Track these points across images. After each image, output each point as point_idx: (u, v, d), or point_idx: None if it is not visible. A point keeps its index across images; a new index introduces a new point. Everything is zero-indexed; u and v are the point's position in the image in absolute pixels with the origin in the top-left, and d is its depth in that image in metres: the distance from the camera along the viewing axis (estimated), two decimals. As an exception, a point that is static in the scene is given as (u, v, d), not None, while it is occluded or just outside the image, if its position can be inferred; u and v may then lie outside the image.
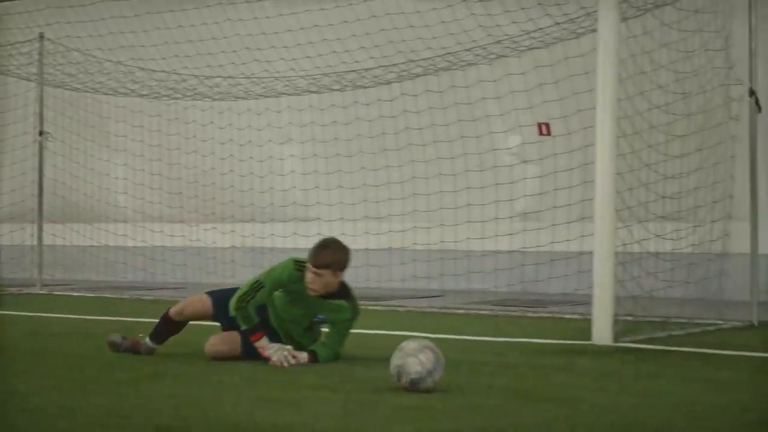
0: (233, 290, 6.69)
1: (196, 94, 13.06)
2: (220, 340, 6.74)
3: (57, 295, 13.42)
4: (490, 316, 10.39)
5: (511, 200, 12.05)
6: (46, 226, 14.62)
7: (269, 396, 5.19)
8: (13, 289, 14.09)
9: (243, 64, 12.26)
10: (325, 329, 6.77)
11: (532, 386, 5.75)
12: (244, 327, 6.56)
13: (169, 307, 6.95)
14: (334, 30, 11.85)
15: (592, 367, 6.65)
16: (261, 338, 6.54)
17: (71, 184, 15.49)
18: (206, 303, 6.86)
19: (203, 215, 14.05)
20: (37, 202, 14.39)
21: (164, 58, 12.81)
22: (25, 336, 8.38)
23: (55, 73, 13.89)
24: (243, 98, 13.07)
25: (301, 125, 13.25)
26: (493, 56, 10.95)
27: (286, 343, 6.62)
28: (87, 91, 14.25)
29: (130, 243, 14.95)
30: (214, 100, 13.26)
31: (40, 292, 13.91)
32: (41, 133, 14.17)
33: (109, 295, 13.02)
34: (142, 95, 13.59)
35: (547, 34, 10.18)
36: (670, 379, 6.09)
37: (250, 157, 13.58)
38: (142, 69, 13.06)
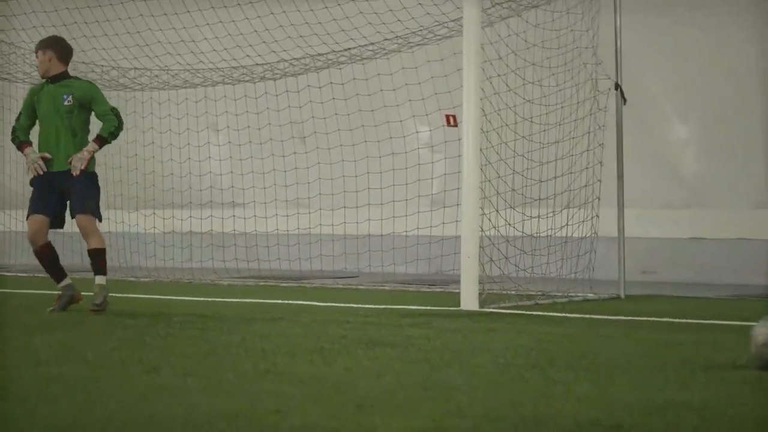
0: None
1: (118, 85, 13.79)
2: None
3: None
4: (385, 291, 11.32)
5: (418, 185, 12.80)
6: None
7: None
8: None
9: (156, 56, 13.02)
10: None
11: (379, 337, 6.73)
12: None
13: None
14: (238, 26, 12.65)
15: (444, 324, 7.63)
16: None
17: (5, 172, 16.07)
18: (35, 219, 8.45)
19: (129, 200, 14.70)
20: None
21: (84, 51, 13.52)
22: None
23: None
24: (162, 89, 13.83)
25: (217, 114, 14.03)
26: (387, 51, 11.87)
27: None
28: (17, 82, 14.83)
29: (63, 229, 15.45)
30: (135, 90, 14.01)
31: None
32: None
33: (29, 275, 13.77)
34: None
35: (432, 32, 11.13)
36: (502, 332, 7.08)
37: (170, 144, 14.32)
38: (84, 62, 13.73)
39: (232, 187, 14.10)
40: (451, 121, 12.75)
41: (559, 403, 4.40)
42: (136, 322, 7.83)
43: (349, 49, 12.02)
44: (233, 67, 12.86)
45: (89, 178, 8.48)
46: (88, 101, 8.49)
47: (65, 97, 8.44)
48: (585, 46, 10.62)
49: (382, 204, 12.86)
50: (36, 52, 8.73)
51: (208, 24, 12.73)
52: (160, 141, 14.36)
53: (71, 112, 8.44)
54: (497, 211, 9.71)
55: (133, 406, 4.35)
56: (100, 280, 8.51)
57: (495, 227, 9.63)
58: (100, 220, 8.71)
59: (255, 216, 13.71)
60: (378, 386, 4.90)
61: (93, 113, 8.59)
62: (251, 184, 13.85)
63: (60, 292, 8.57)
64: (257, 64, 12.61)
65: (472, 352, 6.15)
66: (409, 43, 11.71)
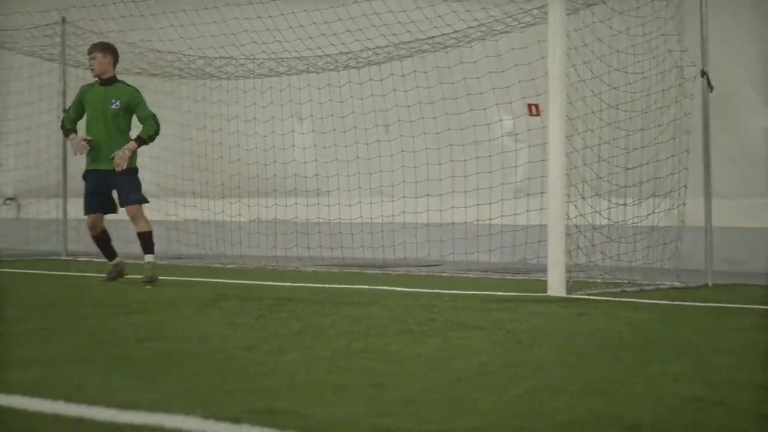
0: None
1: (204, 74, 13.98)
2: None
3: (79, 261, 14.46)
4: (469, 278, 11.36)
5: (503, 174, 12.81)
6: (70, 200, 15.52)
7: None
8: (39, 257, 15.15)
9: (242, 45, 13.18)
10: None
11: (467, 320, 6.80)
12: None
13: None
14: (322, 15, 12.77)
15: (532, 309, 7.67)
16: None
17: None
18: (91, 217, 9.88)
19: (215, 188, 14.89)
20: (61, 176, 15.30)
21: (172, 40, 13.72)
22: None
23: (75, 54, 14.77)
24: (247, 77, 13.99)
25: (301, 103, 14.15)
26: (473, 40, 11.90)
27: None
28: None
29: (151, 216, 15.68)
30: (221, 79, 14.18)
31: (64, 258, 14.94)
32: (65, 110, 15.16)
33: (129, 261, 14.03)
34: (153, 74, 14.48)
35: (516, 20, 11.14)
36: (591, 317, 7.10)
37: (255, 133, 14.49)
38: (153, 50, 13.96)
39: (317, 175, 14.21)
40: (533, 110, 12.72)
41: (657, 381, 4.44)
42: (227, 304, 7.98)
43: (433, 37, 12.07)
44: (317, 56, 12.96)
45: (131, 173, 9.69)
46: (133, 106, 9.62)
47: (113, 101, 9.52)
48: (670, 32, 10.55)
49: (465, 192, 12.88)
50: (92, 53, 9.70)
51: (293, 12, 12.86)
52: (245, 129, 14.53)
53: (117, 116, 9.53)
54: (583, 198, 9.70)
55: (237, 380, 4.47)
56: (149, 258, 9.89)
57: (581, 214, 9.62)
58: (147, 201, 10.04)
59: (339, 204, 13.81)
60: (472, 364, 4.97)
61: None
62: (335, 172, 13.96)
63: (113, 270, 10.09)
64: (341, 53, 12.71)
65: (564, 335, 6.19)
66: (493, 30, 11.73)
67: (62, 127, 10.03)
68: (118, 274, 10.12)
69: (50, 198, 16.01)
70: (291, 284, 10.31)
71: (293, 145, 14.42)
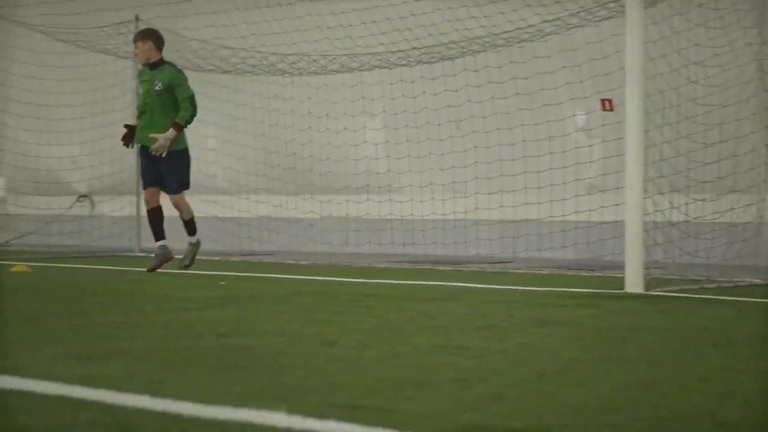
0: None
1: (276, 70, 13.99)
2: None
3: (152, 257, 14.54)
4: (543, 274, 11.25)
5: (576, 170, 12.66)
6: (143, 197, 15.63)
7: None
8: (113, 254, 15.29)
9: (315, 41, 13.17)
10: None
11: (546, 316, 6.71)
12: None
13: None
14: (396, 9, 12.71)
15: (611, 305, 7.55)
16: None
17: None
18: (148, 191, 10.37)
19: (287, 184, 14.91)
20: (134, 173, 15.41)
21: (243, 37, 13.75)
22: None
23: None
24: (319, 74, 13.98)
25: (373, 99, 14.11)
26: (547, 35, 11.78)
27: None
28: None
29: (223, 212, 15.77)
30: (293, 75, 14.18)
31: (138, 255, 15.06)
32: (138, 108, 15.27)
33: (202, 257, 14.11)
34: (226, 71, 14.53)
35: (591, 14, 10.99)
36: (672, 313, 6.98)
37: (327, 129, 14.48)
38: (226, 47, 14.00)
39: (389, 171, 14.15)
40: (607, 105, 12.56)
41: (748, 378, 4.33)
42: (303, 300, 7.97)
43: (507, 31, 11.96)
44: (390, 52, 12.91)
45: (178, 156, 10.27)
46: (174, 87, 10.07)
47: (156, 82, 10.06)
48: (749, 25, 10.36)
49: (538, 188, 12.76)
50: (135, 42, 10.35)
51: (366, 8, 12.83)
52: (317, 126, 14.53)
53: (161, 96, 10.07)
54: (661, 193, 9.55)
55: (318, 375, 4.43)
56: (191, 238, 10.67)
57: (659, 210, 9.47)
58: (188, 188, 10.61)
59: (411, 200, 13.75)
60: (556, 360, 4.89)
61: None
62: (407, 169, 13.89)
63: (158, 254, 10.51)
64: (414, 48, 12.64)
65: (647, 331, 6.08)
66: (568, 24, 11.59)
67: (137, 107, 10.78)
68: (163, 259, 10.48)
69: (123, 195, 16.12)
70: (365, 280, 10.28)
71: (365, 142, 14.38)
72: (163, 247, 10.48)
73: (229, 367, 4.62)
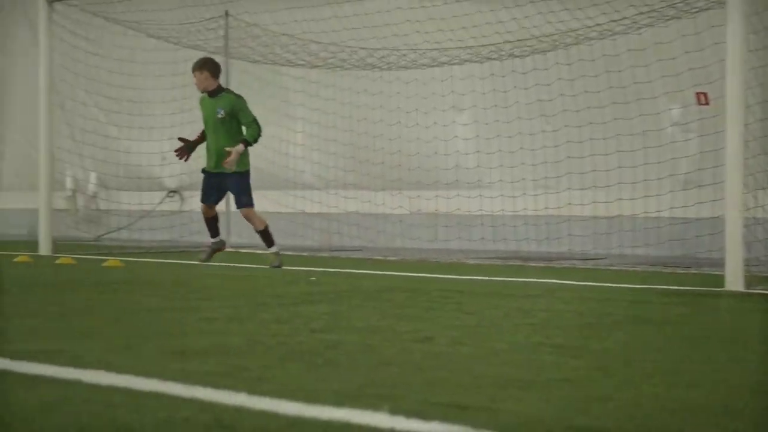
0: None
1: (366, 65, 13.91)
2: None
3: (242, 252, 14.58)
4: (637, 271, 11.01)
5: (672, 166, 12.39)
6: (232, 192, 15.64)
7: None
8: (203, 249, 15.33)
9: (405, 35, 13.06)
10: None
11: (647, 314, 6.52)
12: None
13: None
14: (487, 1, 12.55)
15: (712, 304, 7.34)
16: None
17: (256, 151, 16.51)
18: (204, 206, 11.00)
19: (375, 180, 14.84)
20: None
21: (335, 31, 13.68)
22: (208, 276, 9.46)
23: (238, 48, 14.89)
24: (409, 68, 13.86)
25: (463, 93, 13.96)
26: (641, 27, 11.52)
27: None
28: (266, 63, 15.22)
29: (311, 208, 15.75)
30: (383, 70, 14.08)
31: (227, 250, 15.09)
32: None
33: (290, 253, 14.10)
34: (316, 66, 14.49)
35: (688, 5, 10.72)
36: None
37: (416, 124, 14.37)
38: (315, 42, 13.96)
39: (479, 166, 14.00)
40: (702, 98, 12.27)
41: None
42: (394, 296, 7.86)
43: (600, 24, 11.73)
44: (481, 45, 12.74)
45: (241, 176, 10.79)
46: (236, 112, 10.66)
47: (219, 110, 10.61)
48: None
49: (633, 184, 12.51)
50: (193, 72, 10.88)
51: (457, 0, 12.68)
52: (407, 121, 14.42)
53: (224, 123, 10.63)
54: (762, 189, 9.28)
55: (416, 373, 4.32)
56: (271, 249, 11.07)
57: (760, 206, 9.19)
58: (252, 206, 10.95)
59: (502, 196, 13.59)
60: (661, 360, 4.73)
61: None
62: (498, 164, 13.73)
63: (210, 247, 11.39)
64: (506, 42, 12.46)
65: (754, 331, 5.86)
66: (664, 16, 11.32)
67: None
68: (216, 249, 11.37)
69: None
70: (456, 277, 10.16)
71: (455, 136, 14.24)
72: (217, 242, 11.43)
73: (325, 363, 4.52)
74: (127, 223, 17.21)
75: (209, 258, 11.46)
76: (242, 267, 11.38)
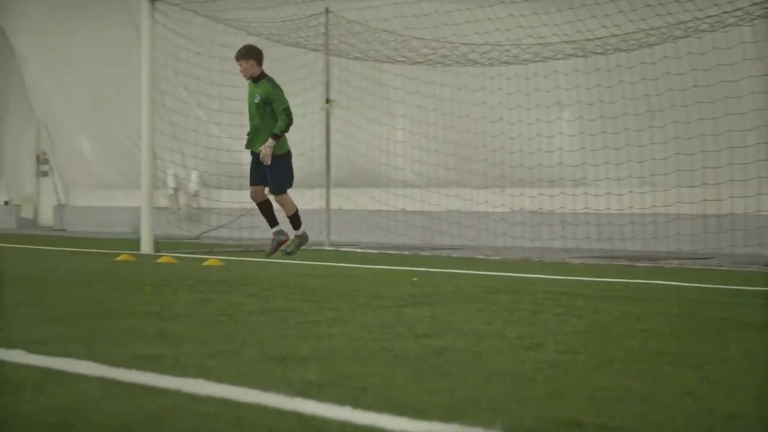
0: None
1: (467, 61, 13.68)
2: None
3: (342, 251, 14.49)
4: (749, 272, 10.62)
5: None
6: (333, 190, 15.59)
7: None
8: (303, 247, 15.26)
9: (507, 30, 12.80)
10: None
11: (764, 318, 6.21)
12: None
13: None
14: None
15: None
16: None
17: (356, 149, 16.40)
18: (253, 188, 10.88)
19: (476, 177, 14.63)
20: (324, 167, 15.38)
21: (436, 27, 13.48)
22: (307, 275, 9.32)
23: (338, 44, 14.78)
24: (511, 64, 13.60)
25: (566, 89, 13.67)
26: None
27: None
28: (367, 60, 15.09)
29: (411, 206, 15.63)
30: (485, 65, 13.84)
31: (328, 249, 15.02)
32: (328, 101, 15.22)
33: (391, 252, 13.96)
34: (417, 63, 14.31)
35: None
36: None
37: (519, 121, 14.11)
38: (417, 38, 13.77)
39: (583, 163, 13.69)
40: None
41: None
42: (500, 298, 7.64)
43: (711, 16, 11.35)
44: (586, 39, 12.44)
45: (280, 161, 10.83)
46: (271, 101, 10.76)
47: (256, 96, 10.84)
48: None
49: (745, 181, 12.10)
50: (238, 61, 11.00)
51: (561, -6, 12.43)
52: (509, 117, 14.17)
53: (260, 108, 10.84)
54: None
55: (529, 383, 4.10)
56: (296, 232, 11.10)
57: None
58: (287, 189, 10.94)
59: (607, 194, 13.26)
60: (789, 371, 4.43)
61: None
62: (603, 161, 13.41)
63: (277, 240, 11.06)
64: (612, 35, 12.14)
65: None
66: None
67: None
68: (278, 244, 11.12)
69: (314, 188, 16.11)
70: (561, 277, 9.89)
71: (559, 133, 13.95)
72: (279, 232, 11.17)
73: (431, 372, 4.33)
74: (227, 222, 17.22)
75: (275, 251, 11.31)
76: (342, 266, 11.26)
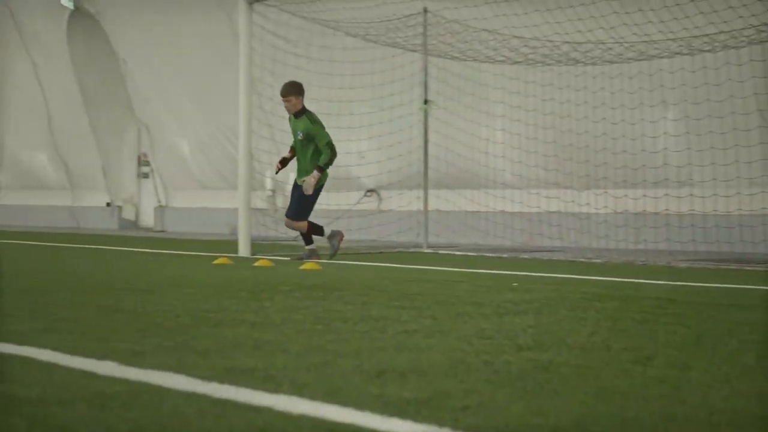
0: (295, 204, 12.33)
1: (569, 59, 13.37)
2: None
3: (441, 254, 14.28)
4: None
5: None
6: (431, 192, 15.40)
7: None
8: (401, 249, 15.12)
9: (611, 28, 12.47)
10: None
11: None
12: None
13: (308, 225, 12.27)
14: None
15: None
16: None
17: (454, 149, 16.19)
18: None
19: (578, 178, 14.33)
20: (423, 167, 15.19)
21: (536, 25, 13.19)
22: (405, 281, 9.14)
23: (437, 44, 14.58)
24: (615, 62, 13.25)
25: (671, 87, 13.28)
26: None
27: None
28: (466, 60, 14.87)
29: (510, 207, 15.38)
30: (587, 64, 13.52)
31: (426, 251, 14.83)
32: (426, 101, 15.02)
33: (489, 255, 13.71)
34: (516, 62, 14.04)
35: None
36: None
37: (623, 120, 13.76)
38: (516, 37, 13.50)
39: (689, 164, 13.30)
40: None
41: None
42: (604, 306, 7.37)
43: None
44: (693, 36, 12.05)
45: (312, 193, 12.02)
46: (312, 136, 11.77)
47: (299, 132, 11.87)
48: None
49: None
50: (287, 97, 11.88)
51: (667, -10, 12.07)
52: (612, 117, 13.83)
53: (303, 143, 11.85)
54: None
55: (639, 404, 3.85)
56: (308, 246, 12.44)
57: None
58: (306, 219, 12.30)
59: (714, 195, 12.85)
60: None
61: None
62: (710, 161, 13.00)
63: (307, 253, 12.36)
64: (721, 32, 11.74)
65: None
66: None
67: None
68: (338, 243, 12.55)
69: (412, 189, 15.95)
70: (666, 282, 9.56)
71: (664, 133, 13.58)
72: (331, 236, 12.46)
73: (536, 389, 4.10)
74: (324, 223, 17.13)
75: (338, 250, 12.58)
76: (440, 270, 11.07)
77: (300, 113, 11.91)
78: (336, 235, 12.54)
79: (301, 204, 12.15)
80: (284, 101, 11.97)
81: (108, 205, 25.22)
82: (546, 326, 6.18)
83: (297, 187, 12.18)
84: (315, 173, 11.83)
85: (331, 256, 12.31)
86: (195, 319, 6.26)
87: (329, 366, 4.59)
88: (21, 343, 5.17)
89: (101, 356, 4.76)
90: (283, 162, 12.33)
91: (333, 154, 11.83)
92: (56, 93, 24.79)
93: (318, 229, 12.35)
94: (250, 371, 4.40)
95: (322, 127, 11.78)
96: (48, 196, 26.25)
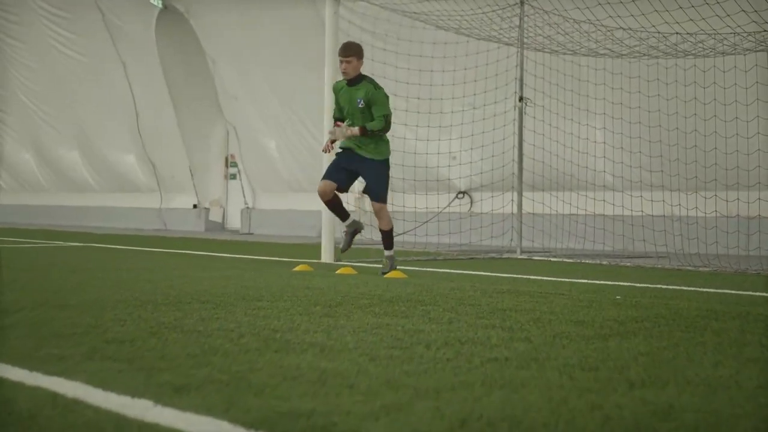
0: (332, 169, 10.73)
1: (678, 52, 12.44)
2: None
3: (535, 260, 13.48)
4: None
5: None
6: (526, 194, 14.64)
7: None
8: (494, 254, 14.34)
9: (727, 16, 11.51)
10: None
11: None
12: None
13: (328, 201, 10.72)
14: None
15: None
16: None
17: (550, 149, 15.41)
18: (326, 182, 10.60)
19: (685, 180, 13.43)
20: (517, 169, 14.43)
21: (643, 14, 12.29)
22: (504, 293, 8.35)
23: (534, 37, 13.79)
24: (728, 54, 12.29)
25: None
26: None
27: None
28: (565, 54, 14.05)
29: (610, 210, 14.64)
30: (697, 57, 12.58)
31: (520, 257, 14.03)
32: (521, 98, 14.22)
33: (588, 261, 12.89)
34: (621, 55, 13.17)
35: None
36: None
37: (736, 118, 12.81)
38: (622, 28, 12.62)
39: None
40: None
41: None
42: (723, 326, 6.54)
43: None
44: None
45: (381, 164, 10.61)
46: (372, 103, 10.42)
47: (359, 100, 10.46)
48: None
49: None
50: (348, 57, 10.45)
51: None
52: (724, 115, 12.92)
53: (363, 111, 10.47)
54: None
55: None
56: (387, 252, 10.90)
57: None
58: (385, 203, 10.65)
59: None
60: None
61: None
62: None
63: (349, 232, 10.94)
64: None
65: None
66: None
67: (333, 116, 11.03)
68: (353, 233, 10.93)
69: (505, 192, 15.20)
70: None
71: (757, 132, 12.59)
72: (352, 223, 10.91)
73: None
74: (413, 226, 16.42)
75: (351, 244, 11.12)
76: (535, 280, 10.27)
77: (357, 79, 10.56)
78: (355, 228, 11.03)
79: (382, 179, 10.65)
80: (344, 62, 10.49)
81: (195, 206, 24.83)
82: (660, 354, 5.34)
83: (351, 158, 10.68)
84: (356, 129, 10.40)
85: (343, 251, 11.28)
86: (259, 341, 5.54)
87: (403, 410, 3.83)
88: (52, 372, 4.50)
89: (137, 392, 4.06)
90: (333, 141, 10.96)
91: (387, 127, 10.43)
92: (145, 92, 24.49)
93: (342, 211, 10.97)
94: (306, 416, 3.66)
95: (387, 97, 10.55)
96: (136, 198, 26.00)
